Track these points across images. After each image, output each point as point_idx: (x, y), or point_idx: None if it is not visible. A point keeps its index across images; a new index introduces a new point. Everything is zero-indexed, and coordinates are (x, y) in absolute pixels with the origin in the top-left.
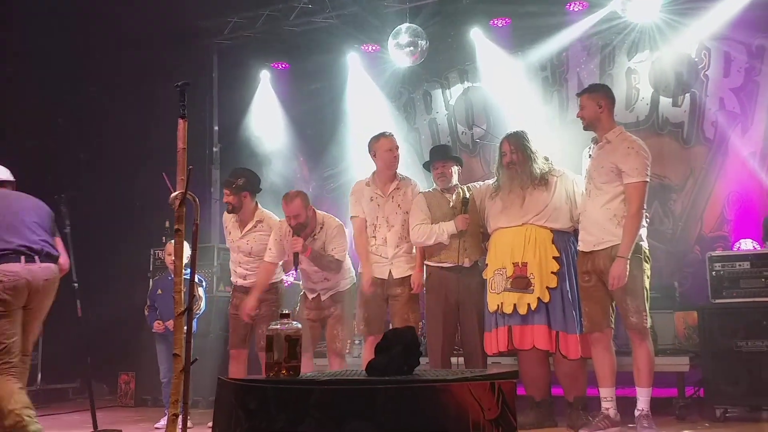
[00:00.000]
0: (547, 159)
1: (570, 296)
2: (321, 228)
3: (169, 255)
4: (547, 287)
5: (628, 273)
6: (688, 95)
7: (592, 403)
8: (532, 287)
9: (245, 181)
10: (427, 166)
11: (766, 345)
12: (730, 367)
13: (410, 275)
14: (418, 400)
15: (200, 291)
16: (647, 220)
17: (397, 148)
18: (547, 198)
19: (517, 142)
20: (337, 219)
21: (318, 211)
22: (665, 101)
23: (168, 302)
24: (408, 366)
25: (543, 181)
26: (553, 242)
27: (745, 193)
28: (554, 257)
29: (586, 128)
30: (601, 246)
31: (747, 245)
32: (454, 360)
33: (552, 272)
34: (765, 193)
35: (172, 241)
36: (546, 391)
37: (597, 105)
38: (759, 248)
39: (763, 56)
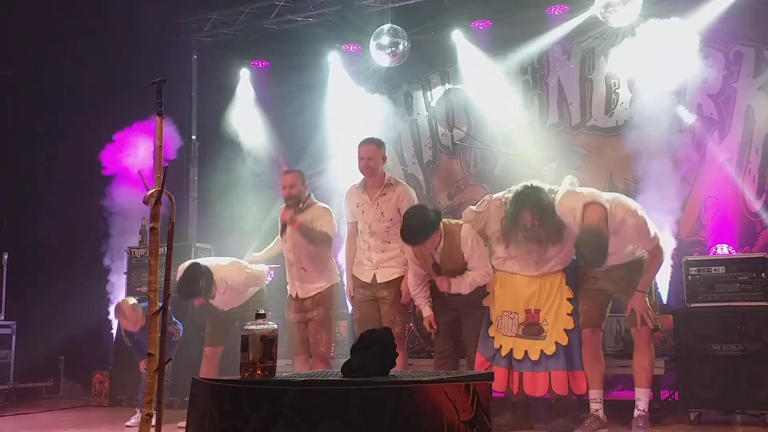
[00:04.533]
0: (552, 192)
1: None
2: (308, 207)
3: (126, 319)
4: (565, 329)
5: (648, 308)
6: None
7: (572, 406)
8: (544, 333)
9: (200, 284)
10: None
11: (740, 349)
12: (705, 371)
13: (396, 278)
14: (392, 401)
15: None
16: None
17: (371, 158)
18: (561, 246)
19: (541, 211)
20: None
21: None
22: None
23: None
24: (384, 367)
25: (559, 234)
26: (566, 283)
27: (722, 199)
28: (568, 299)
29: None
30: (612, 263)
31: (723, 250)
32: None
33: (567, 314)
34: (741, 199)
35: (126, 300)
36: (524, 393)
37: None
38: (734, 253)
39: (740, 63)
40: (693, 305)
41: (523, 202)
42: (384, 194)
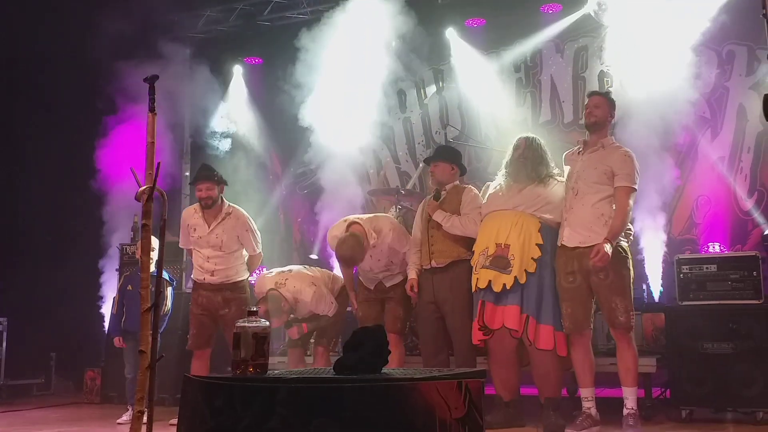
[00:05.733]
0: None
1: (548, 289)
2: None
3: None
4: (526, 270)
5: (610, 256)
6: None
7: (564, 404)
8: (510, 269)
9: (220, 174)
10: None
11: (731, 347)
12: (696, 369)
13: (402, 281)
14: (385, 398)
15: (168, 291)
16: (631, 233)
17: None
18: (542, 192)
19: (533, 143)
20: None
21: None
22: None
23: (135, 299)
24: (377, 364)
25: (544, 181)
26: (539, 231)
27: (714, 198)
28: (537, 244)
29: (591, 128)
30: (587, 243)
31: (715, 249)
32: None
33: (533, 258)
34: (733, 198)
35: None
36: (515, 392)
37: (610, 112)
38: (726, 251)
39: (732, 62)
40: (685, 303)
41: (519, 137)
42: (374, 247)
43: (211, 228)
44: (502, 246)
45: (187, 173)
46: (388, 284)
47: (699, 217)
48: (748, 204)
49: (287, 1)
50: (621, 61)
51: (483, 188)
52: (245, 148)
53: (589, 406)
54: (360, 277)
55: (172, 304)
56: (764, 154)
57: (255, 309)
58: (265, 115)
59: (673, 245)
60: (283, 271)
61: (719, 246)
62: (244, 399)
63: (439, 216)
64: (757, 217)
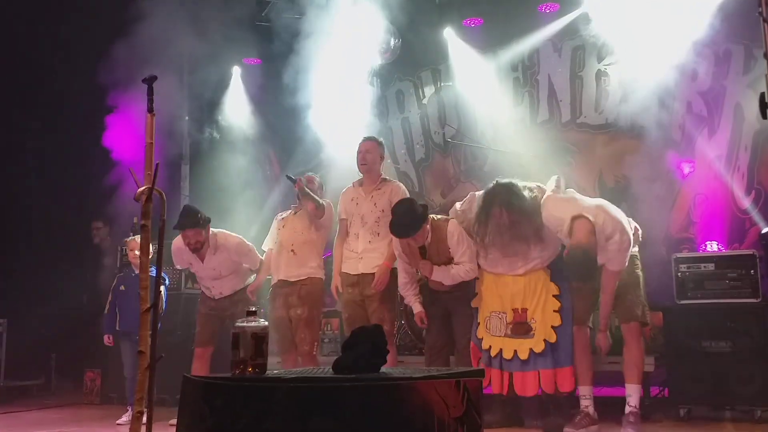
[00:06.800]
0: (531, 190)
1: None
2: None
3: (132, 251)
4: (552, 326)
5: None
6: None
7: (562, 402)
8: (532, 332)
9: (204, 215)
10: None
11: (729, 346)
12: (695, 368)
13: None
14: (383, 397)
15: (161, 290)
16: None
17: (369, 151)
18: (543, 246)
19: (511, 204)
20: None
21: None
22: None
23: (128, 300)
24: (374, 364)
25: (539, 234)
26: (551, 280)
27: (711, 196)
28: (554, 295)
29: None
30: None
31: (712, 247)
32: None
33: (554, 311)
34: (730, 196)
35: (135, 237)
36: (514, 393)
37: None
38: (723, 250)
39: (729, 61)
40: (683, 302)
41: (492, 200)
42: (378, 189)
43: (205, 263)
44: (519, 311)
45: (187, 173)
46: (366, 269)
47: (696, 215)
48: (746, 202)
49: (285, 1)
50: (618, 60)
51: (467, 202)
52: (244, 148)
53: (587, 404)
54: (343, 267)
55: (166, 301)
56: (761, 153)
57: (254, 309)
58: (264, 115)
59: (670, 244)
60: None
61: (717, 245)
62: (243, 399)
63: (438, 276)
64: (755, 215)
